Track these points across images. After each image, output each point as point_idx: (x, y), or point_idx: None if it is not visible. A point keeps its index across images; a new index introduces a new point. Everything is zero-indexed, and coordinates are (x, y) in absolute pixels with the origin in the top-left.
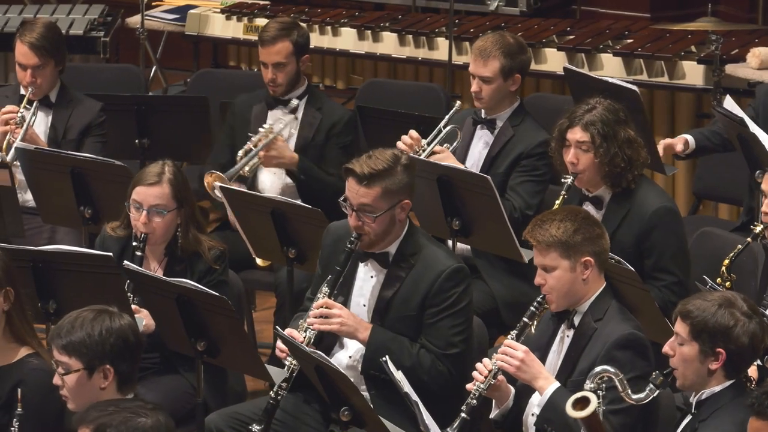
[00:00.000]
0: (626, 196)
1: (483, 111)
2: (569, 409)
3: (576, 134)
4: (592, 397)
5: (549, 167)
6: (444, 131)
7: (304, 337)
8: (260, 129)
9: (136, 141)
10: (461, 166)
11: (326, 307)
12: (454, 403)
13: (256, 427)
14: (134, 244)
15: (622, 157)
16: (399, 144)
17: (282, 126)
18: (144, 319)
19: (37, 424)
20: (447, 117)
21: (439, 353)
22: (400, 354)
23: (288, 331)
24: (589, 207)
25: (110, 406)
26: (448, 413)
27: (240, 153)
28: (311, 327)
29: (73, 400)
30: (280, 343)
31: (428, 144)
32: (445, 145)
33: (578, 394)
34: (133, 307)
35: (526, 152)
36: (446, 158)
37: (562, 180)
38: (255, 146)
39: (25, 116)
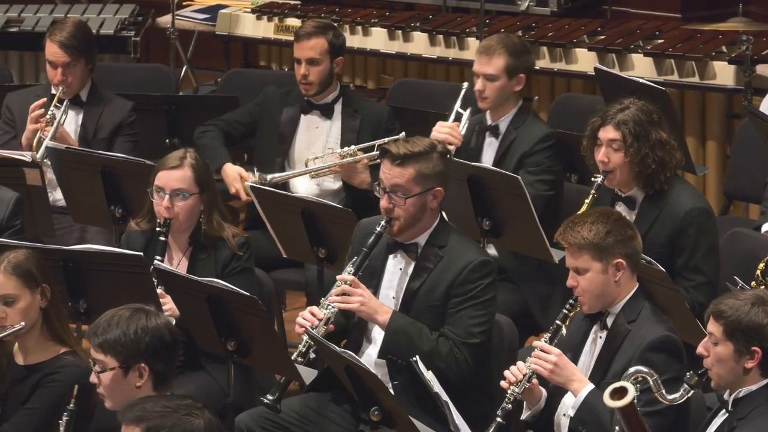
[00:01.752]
0: (659, 196)
1: (489, 117)
2: (607, 399)
3: (608, 133)
4: (630, 387)
5: (553, 157)
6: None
7: (324, 315)
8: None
9: (167, 141)
10: None
11: (351, 286)
12: (476, 399)
13: (269, 397)
14: (158, 229)
15: (653, 158)
16: (435, 134)
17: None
18: (174, 320)
19: (59, 415)
20: (459, 100)
21: (458, 341)
22: (419, 339)
23: (309, 309)
24: (621, 207)
25: (160, 403)
26: (471, 411)
27: (312, 159)
28: (332, 304)
29: (110, 398)
30: (299, 319)
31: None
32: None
33: (616, 384)
34: (159, 291)
35: (527, 151)
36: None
37: (592, 179)
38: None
39: (55, 115)
